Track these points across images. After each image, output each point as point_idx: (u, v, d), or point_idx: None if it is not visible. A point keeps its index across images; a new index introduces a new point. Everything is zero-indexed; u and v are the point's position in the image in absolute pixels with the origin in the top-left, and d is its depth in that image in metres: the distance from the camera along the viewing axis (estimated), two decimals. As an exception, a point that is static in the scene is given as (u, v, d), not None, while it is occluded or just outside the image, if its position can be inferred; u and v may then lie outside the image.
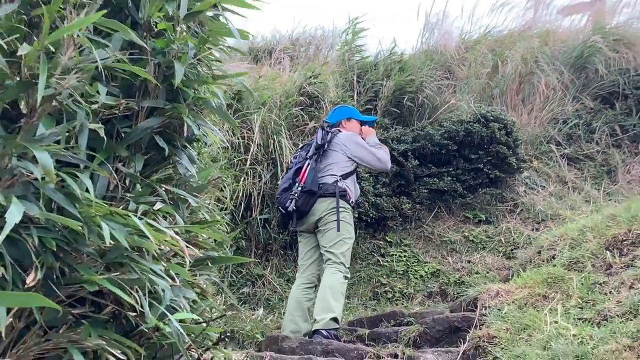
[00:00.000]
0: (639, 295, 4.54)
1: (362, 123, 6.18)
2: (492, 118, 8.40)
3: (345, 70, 8.91)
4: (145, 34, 2.28)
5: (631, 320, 4.26)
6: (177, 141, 2.38)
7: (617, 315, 4.39)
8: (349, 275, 5.57)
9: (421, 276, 7.49)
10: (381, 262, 7.62)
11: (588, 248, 5.48)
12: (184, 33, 2.22)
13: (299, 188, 5.55)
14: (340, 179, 5.67)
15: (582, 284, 5.02)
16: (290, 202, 5.53)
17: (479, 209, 8.53)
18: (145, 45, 2.06)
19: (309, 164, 5.69)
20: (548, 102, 10.07)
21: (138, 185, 2.23)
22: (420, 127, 8.48)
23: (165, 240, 1.85)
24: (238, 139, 7.35)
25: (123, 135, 2.21)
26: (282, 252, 7.41)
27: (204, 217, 2.52)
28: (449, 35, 10.70)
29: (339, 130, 5.96)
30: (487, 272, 7.43)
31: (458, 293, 7.08)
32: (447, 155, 8.42)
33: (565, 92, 10.36)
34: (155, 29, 2.24)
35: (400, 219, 8.10)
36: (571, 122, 10.12)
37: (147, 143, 2.30)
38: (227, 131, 7.29)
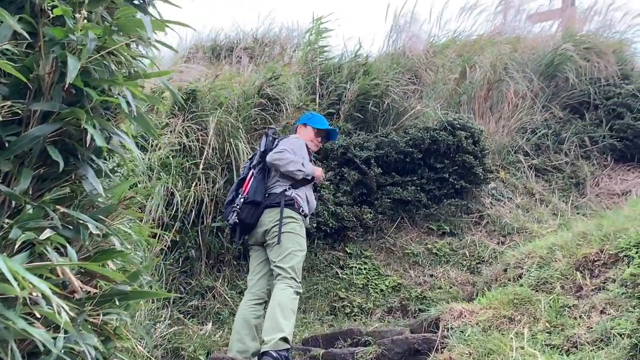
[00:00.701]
0: (612, 322, 4.31)
1: (320, 132, 5.86)
2: (459, 126, 8.14)
3: (307, 72, 8.54)
4: (44, 21, 1.87)
5: (603, 349, 4.07)
6: (80, 153, 1.96)
7: (588, 343, 4.19)
8: (300, 291, 5.23)
9: (381, 290, 7.18)
10: (340, 275, 7.26)
11: (557, 268, 5.35)
12: (85, 21, 1.81)
13: (242, 199, 5.25)
14: (289, 188, 5.37)
15: (550, 306, 4.83)
16: (232, 215, 5.22)
17: (443, 221, 8.25)
18: (25, 34, 1.65)
19: (252, 173, 5.40)
20: (517, 111, 9.85)
21: (29, 207, 1.82)
22: (385, 134, 8.16)
23: (32, 284, 1.43)
24: (192, 141, 6.94)
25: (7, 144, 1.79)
26: (235, 263, 7.02)
27: (115, 245, 2.09)
28: (416, 38, 10.38)
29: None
30: (450, 287, 7.20)
31: (419, 309, 6.84)
32: (411, 163, 8.14)
33: (534, 101, 10.15)
34: (52, 15, 1.82)
35: (361, 230, 7.78)
36: (540, 132, 9.93)
37: (43, 155, 1.88)
38: (180, 133, 6.88)
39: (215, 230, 6.93)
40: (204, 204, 6.76)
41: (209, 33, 12.53)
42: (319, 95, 8.28)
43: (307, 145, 5.64)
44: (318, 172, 5.63)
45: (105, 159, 2.49)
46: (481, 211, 8.46)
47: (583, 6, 12.54)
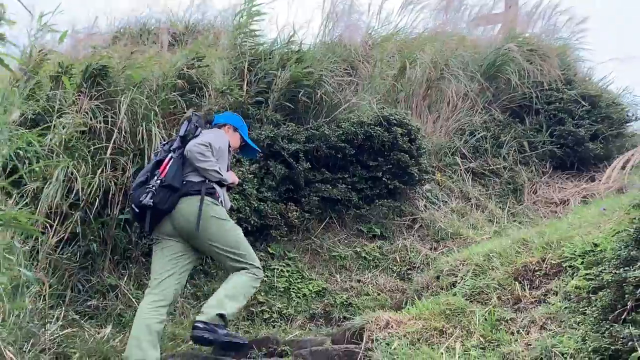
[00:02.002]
0: (553, 339, 3.95)
1: (245, 143, 5.66)
2: (395, 122, 7.70)
3: (236, 57, 7.88)
4: None
5: (543, 369, 3.73)
6: None
7: (526, 362, 3.85)
8: (260, 275, 5.03)
9: (304, 295, 6.67)
10: (260, 277, 6.69)
11: (494, 277, 5.07)
12: None
13: (158, 181, 4.81)
14: (207, 180, 4.98)
15: (485, 319, 4.49)
16: (146, 196, 4.74)
17: (374, 223, 7.79)
18: None
19: (171, 157, 4.97)
20: (456, 111, 9.48)
21: None
22: (316, 127, 7.59)
23: None
24: (100, 122, 6.25)
25: None
26: (144, 260, 6.33)
27: None
28: (354, 27, 9.92)
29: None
30: (378, 294, 6.78)
31: (344, 316, 6.39)
32: (343, 160, 7.64)
33: (474, 102, 9.80)
34: None
35: (286, 229, 7.21)
36: (478, 134, 9.60)
37: None
38: (87, 113, 6.19)
39: (122, 222, 6.25)
40: (111, 192, 6.09)
41: (138, 17, 11.82)
42: (247, 81, 7.64)
43: (229, 143, 5.37)
44: (234, 179, 5.39)
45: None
46: (414, 214, 8.04)
47: (526, 8, 12.33)
